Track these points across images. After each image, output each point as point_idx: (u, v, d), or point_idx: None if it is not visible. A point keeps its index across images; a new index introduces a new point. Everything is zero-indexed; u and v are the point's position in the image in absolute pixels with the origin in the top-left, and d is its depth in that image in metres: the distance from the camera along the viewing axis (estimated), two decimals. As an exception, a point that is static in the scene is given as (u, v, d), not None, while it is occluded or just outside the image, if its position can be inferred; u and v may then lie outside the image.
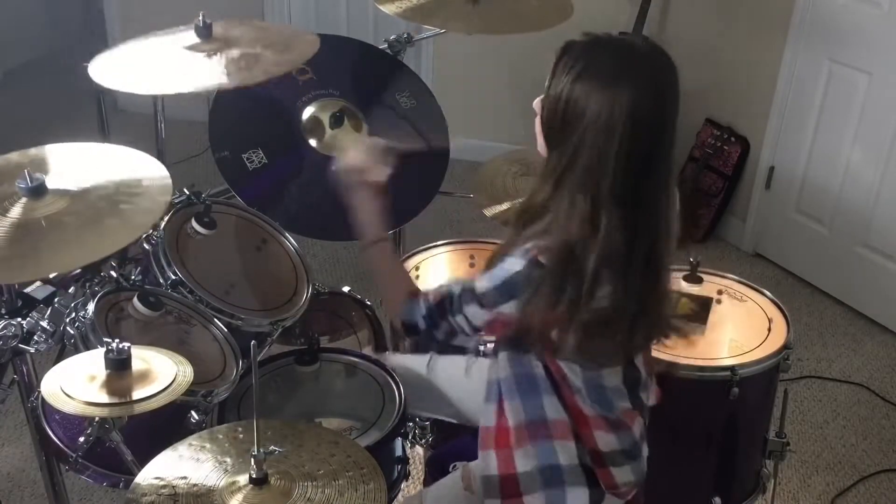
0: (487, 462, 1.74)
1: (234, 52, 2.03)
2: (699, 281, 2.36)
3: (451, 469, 1.98)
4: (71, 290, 1.96)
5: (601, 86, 1.49)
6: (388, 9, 2.58)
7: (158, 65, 2.03)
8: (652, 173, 1.55)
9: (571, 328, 1.56)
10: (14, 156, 1.86)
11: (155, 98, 2.37)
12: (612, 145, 1.50)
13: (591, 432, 1.67)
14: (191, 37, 2.05)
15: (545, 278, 1.53)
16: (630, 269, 1.55)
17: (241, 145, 2.42)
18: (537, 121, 1.63)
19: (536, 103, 1.63)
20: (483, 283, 1.62)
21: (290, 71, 2.23)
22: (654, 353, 1.85)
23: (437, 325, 1.71)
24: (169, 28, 2.12)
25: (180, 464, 1.54)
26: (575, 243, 1.52)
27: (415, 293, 1.76)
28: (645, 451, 1.76)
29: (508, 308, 1.59)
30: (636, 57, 1.54)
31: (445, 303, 1.68)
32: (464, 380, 2.09)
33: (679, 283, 2.31)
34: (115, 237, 1.69)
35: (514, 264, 1.56)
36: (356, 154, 1.88)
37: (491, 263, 1.63)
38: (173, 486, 1.49)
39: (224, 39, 2.06)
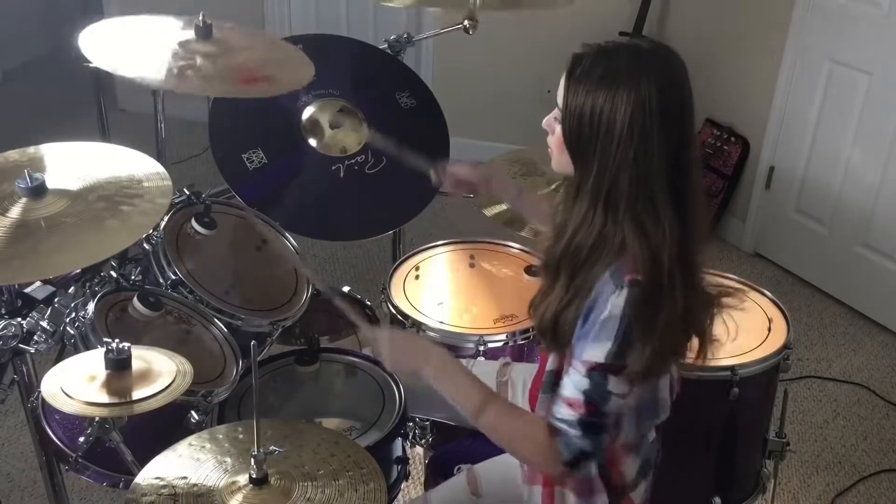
0: (532, 496, 1.75)
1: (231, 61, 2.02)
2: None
3: (455, 471, 1.98)
4: (71, 290, 1.96)
5: (626, 89, 1.46)
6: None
7: (152, 50, 2.01)
8: (687, 165, 1.53)
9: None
10: (14, 155, 1.86)
11: (155, 98, 2.37)
12: (652, 144, 1.47)
13: (619, 470, 1.67)
14: (189, 36, 2.05)
15: (654, 291, 1.48)
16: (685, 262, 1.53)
17: (241, 145, 2.42)
18: (551, 140, 1.60)
19: (549, 122, 1.60)
20: (599, 351, 1.49)
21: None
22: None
23: (600, 429, 1.53)
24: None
25: (180, 464, 1.54)
26: (656, 250, 1.48)
27: (552, 427, 1.55)
28: (657, 457, 1.76)
29: (636, 352, 1.49)
30: (647, 54, 1.52)
31: (593, 402, 1.51)
32: None
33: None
34: (115, 239, 1.69)
35: (614, 306, 1.47)
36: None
37: (559, 322, 1.54)
38: (173, 486, 1.49)
39: (224, 43, 2.06)
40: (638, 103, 1.46)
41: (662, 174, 1.50)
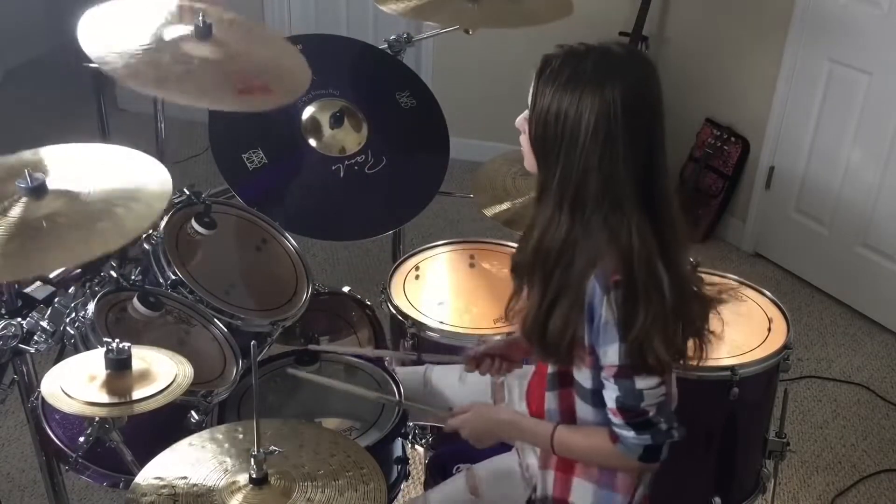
0: (545, 480, 1.75)
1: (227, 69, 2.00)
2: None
3: (454, 471, 1.98)
4: (71, 290, 1.96)
5: (591, 93, 1.48)
6: (388, 8, 2.57)
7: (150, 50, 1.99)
8: (656, 169, 1.54)
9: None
10: (14, 156, 1.85)
11: (155, 98, 2.37)
12: (618, 148, 1.49)
13: None
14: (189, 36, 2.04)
15: (636, 290, 1.49)
16: (667, 262, 1.54)
17: (241, 145, 2.42)
18: (524, 139, 1.61)
19: (520, 122, 1.61)
20: (612, 354, 1.52)
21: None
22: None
23: (652, 423, 1.57)
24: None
25: (180, 464, 1.54)
26: (627, 251, 1.50)
27: (612, 433, 1.61)
28: None
29: (642, 347, 1.52)
30: (616, 59, 1.53)
31: (629, 406, 1.56)
32: (459, 388, 2.08)
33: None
34: (105, 240, 1.68)
35: (606, 310, 1.49)
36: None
37: (562, 331, 1.55)
38: (173, 486, 1.49)
39: (222, 45, 2.05)
40: (602, 107, 1.48)
41: (630, 177, 1.51)
